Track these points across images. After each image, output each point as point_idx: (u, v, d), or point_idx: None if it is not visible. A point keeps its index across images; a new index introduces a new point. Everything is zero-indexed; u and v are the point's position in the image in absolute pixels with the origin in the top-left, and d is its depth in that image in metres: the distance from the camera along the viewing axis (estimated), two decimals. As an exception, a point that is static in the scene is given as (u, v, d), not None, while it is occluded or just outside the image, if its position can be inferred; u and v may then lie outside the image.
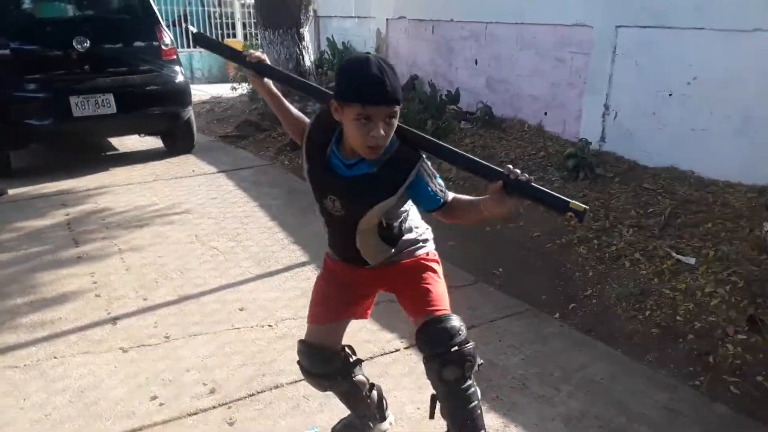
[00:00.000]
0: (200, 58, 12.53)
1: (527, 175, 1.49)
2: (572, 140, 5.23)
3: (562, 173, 4.65)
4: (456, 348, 1.75)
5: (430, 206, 1.72)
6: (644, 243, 3.60)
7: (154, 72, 5.96)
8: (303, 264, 3.83)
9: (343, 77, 1.60)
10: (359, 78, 1.55)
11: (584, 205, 1.47)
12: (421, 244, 1.92)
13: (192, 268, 3.76)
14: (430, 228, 1.98)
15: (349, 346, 2.08)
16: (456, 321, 1.79)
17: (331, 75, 7.80)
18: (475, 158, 1.63)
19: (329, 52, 8.51)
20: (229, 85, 9.45)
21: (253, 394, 2.55)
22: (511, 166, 1.51)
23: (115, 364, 2.79)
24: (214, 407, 2.48)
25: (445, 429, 1.88)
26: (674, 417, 2.40)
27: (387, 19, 7.63)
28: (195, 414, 2.45)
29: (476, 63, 6.30)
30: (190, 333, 3.05)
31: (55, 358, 2.85)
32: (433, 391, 1.85)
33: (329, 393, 2.17)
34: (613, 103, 4.92)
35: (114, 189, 5.35)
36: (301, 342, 2.02)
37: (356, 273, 1.92)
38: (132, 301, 3.39)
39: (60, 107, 5.53)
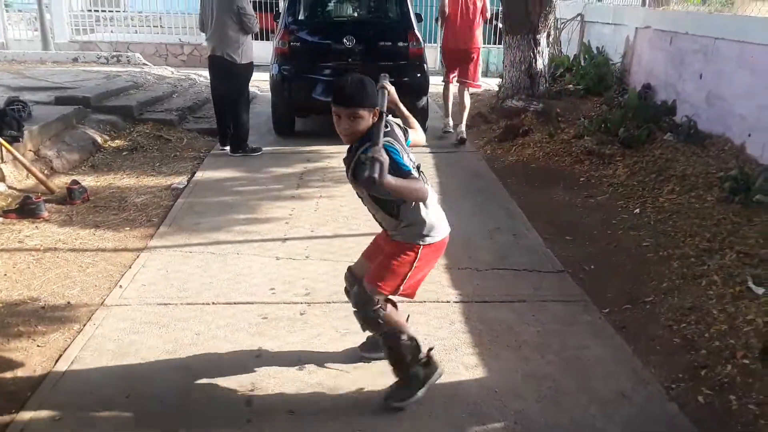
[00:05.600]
0: (497, 53, 12.77)
1: (374, 157, 2.13)
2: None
3: (720, 195, 4.59)
4: (354, 309, 2.68)
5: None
6: (735, 269, 3.60)
7: (401, 66, 7.22)
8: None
9: None
10: (334, 86, 2.46)
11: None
12: (416, 237, 2.53)
13: (355, 218, 4.88)
14: (437, 232, 2.55)
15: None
16: (362, 294, 2.62)
17: (569, 78, 8.18)
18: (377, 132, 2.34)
19: (583, 56, 8.82)
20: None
21: (328, 302, 3.58)
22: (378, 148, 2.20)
23: (266, 265, 4.07)
24: (300, 303, 3.58)
25: None
26: (621, 401, 2.74)
27: (636, 28, 7.69)
28: (286, 303, 3.58)
29: (701, 77, 6.15)
30: (322, 258, 4.19)
31: (237, 254, 4.25)
32: None
33: None
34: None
35: (348, 154, 6.79)
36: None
37: (381, 234, 2.77)
38: (304, 230, 4.68)
39: (331, 88, 7.14)
